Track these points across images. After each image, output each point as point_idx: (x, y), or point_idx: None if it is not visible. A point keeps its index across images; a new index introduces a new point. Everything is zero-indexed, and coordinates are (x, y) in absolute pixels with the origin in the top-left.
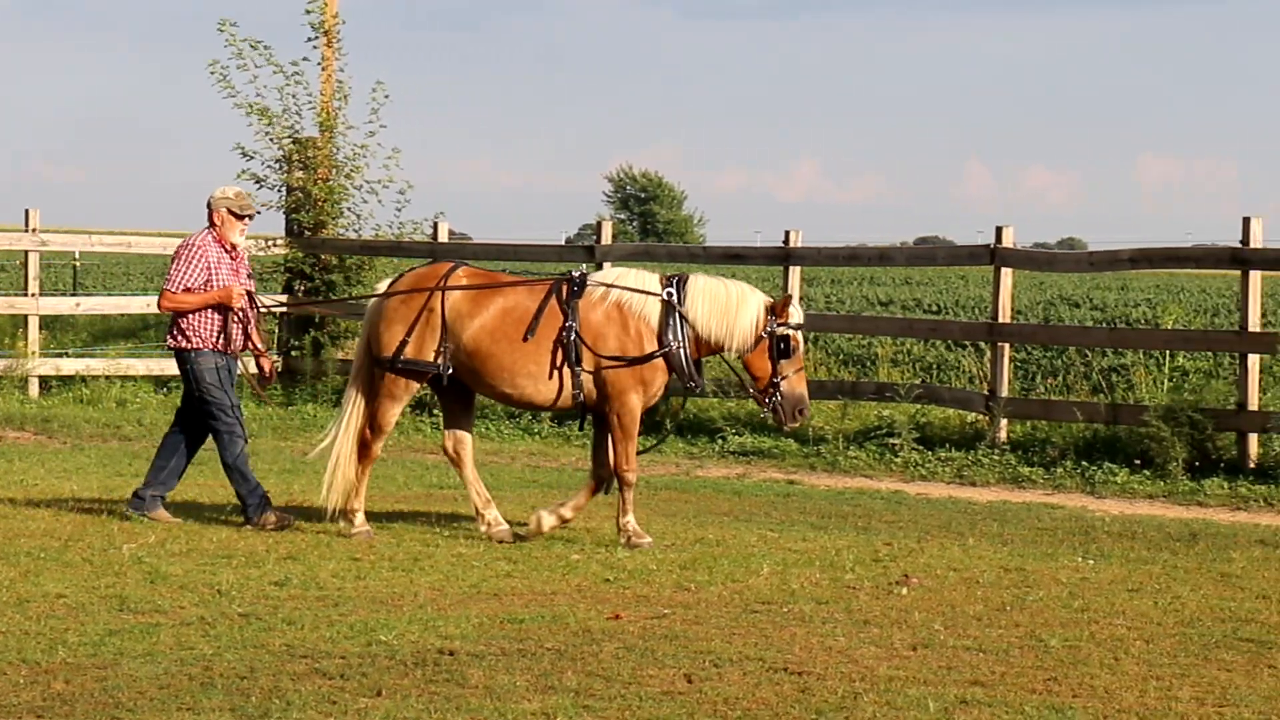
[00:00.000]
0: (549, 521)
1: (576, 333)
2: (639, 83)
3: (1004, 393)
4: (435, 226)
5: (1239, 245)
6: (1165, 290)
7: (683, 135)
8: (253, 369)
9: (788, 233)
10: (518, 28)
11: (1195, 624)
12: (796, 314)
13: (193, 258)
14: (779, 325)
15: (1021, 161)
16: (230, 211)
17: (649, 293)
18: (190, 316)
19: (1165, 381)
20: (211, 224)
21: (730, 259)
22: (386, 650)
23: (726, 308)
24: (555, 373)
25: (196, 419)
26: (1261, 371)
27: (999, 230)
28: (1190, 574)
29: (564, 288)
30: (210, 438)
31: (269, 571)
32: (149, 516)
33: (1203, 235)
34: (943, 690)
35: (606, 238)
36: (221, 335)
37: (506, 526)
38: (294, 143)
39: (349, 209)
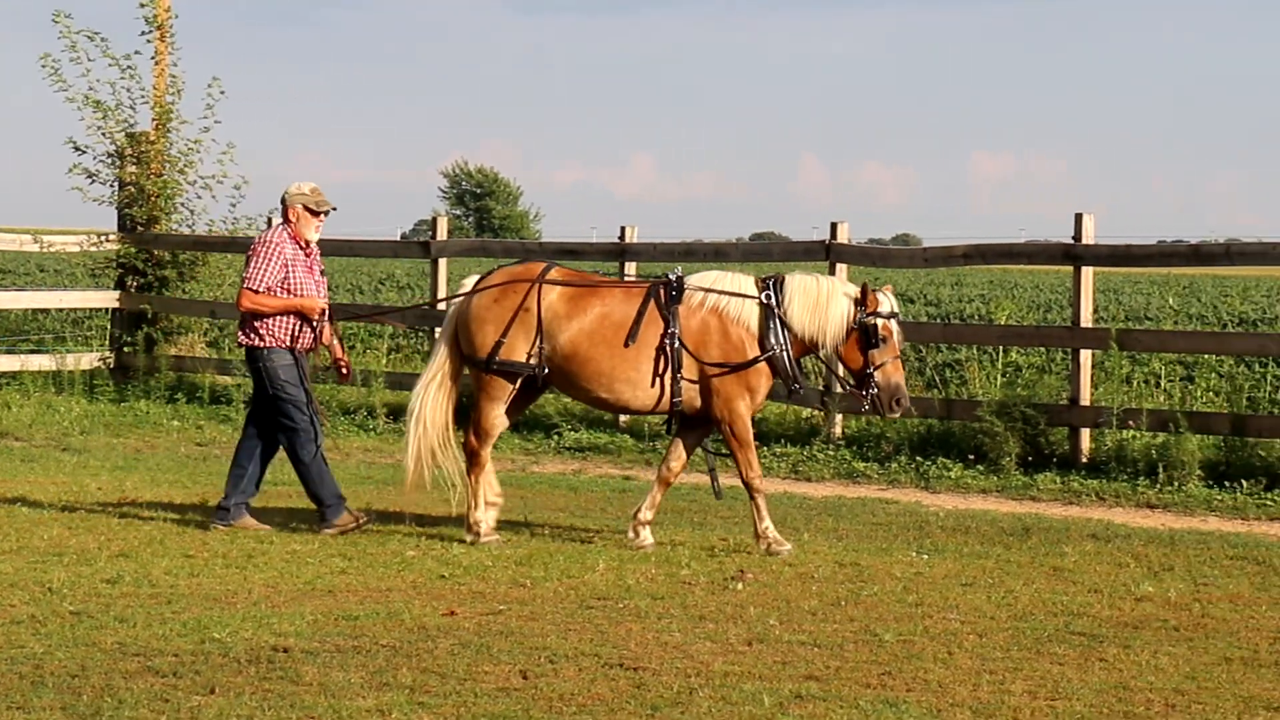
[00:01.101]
0: (645, 534)
1: (679, 339)
2: (475, 78)
3: (837, 389)
4: (269, 222)
5: (1071, 241)
6: (999, 286)
7: (518, 131)
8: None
9: (623, 228)
10: (350, 23)
11: (1028, 618)
12: (885, 303)
13: (271, 255)
14: (868, 315)
15: (857, 158)
16: (306, 208)
17: (746, 295)
18: (265, 316)
19: (999, 377)
20: (286, 220)
21: (566, 254)
22: (220, 648)
23: (818, 303)
24: (656, 380)
25: (269, 420)
26: (1093, 367)
27: (834, 226)
28: (1023, 568)
29: (662, 292)
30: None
31: (101, 569)
32: (235, 525)
33: (1035, 231)
34: (778, 685)
35: (442, 233)
36: (296, 334)
37: (497, 536)
38: (127, 137)
39: (183, 204)
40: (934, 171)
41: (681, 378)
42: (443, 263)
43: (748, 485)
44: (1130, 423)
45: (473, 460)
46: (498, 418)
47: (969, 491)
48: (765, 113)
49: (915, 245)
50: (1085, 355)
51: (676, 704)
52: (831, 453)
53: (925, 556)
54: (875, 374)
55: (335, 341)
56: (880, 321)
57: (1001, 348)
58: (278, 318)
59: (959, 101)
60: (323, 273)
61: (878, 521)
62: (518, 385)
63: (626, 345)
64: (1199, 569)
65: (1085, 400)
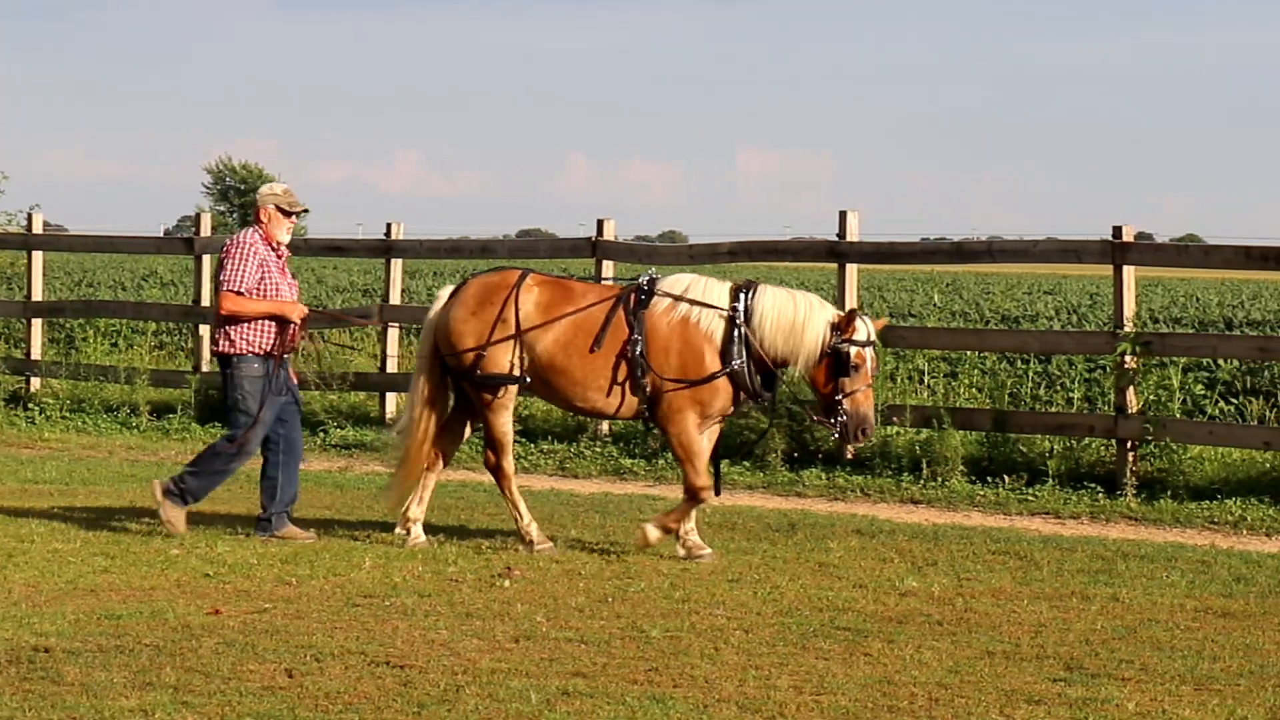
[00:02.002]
0: (696, 546)
1: (641, 348)
2: (239, 74)
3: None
4: (29, 218)
5: (836, 239)
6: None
7: (283, 127)
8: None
9: (389, 225)
10: (110, 16)
11: (793, 613)
12: (862, 330)
13: (247, 256)
14: (843, 341)
15: (623, 155)
16: (279, 208)
17: (713, 306)
18: (244, 320)
19: None
20: (258, 221)
21: (331, 251)
22: None
23: (793, 325)
24: (621, 386)
25: (282, 424)
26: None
27: (600, 223)
28: (789, 564)
29: (632, 298)
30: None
31: None
32: (280, 536)
33: (801, 229)
34: (545, 682)
35: (206, 229)
36: (270, 340)
37: (425, 538)
38: None
39: None
40: (700, 169)
41: (645, 384)
42: (206, 259)
43: (690, 491)
44: (894, 419)
45: (497, 474)
46: (506, 424)
47: (735, 488)
48: (531, 110)
49: (681, 242)
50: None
51: (443, 702)
52: (599, 450)
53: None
54: (844, 402)
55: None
56: (855, 350)
57: None
58: (254, 323)
59: (724, 98)
60: (293, 275)
61: (644, 518)
62: (515, 391)
63: (592, 352)
64: (962, 564)
65: None
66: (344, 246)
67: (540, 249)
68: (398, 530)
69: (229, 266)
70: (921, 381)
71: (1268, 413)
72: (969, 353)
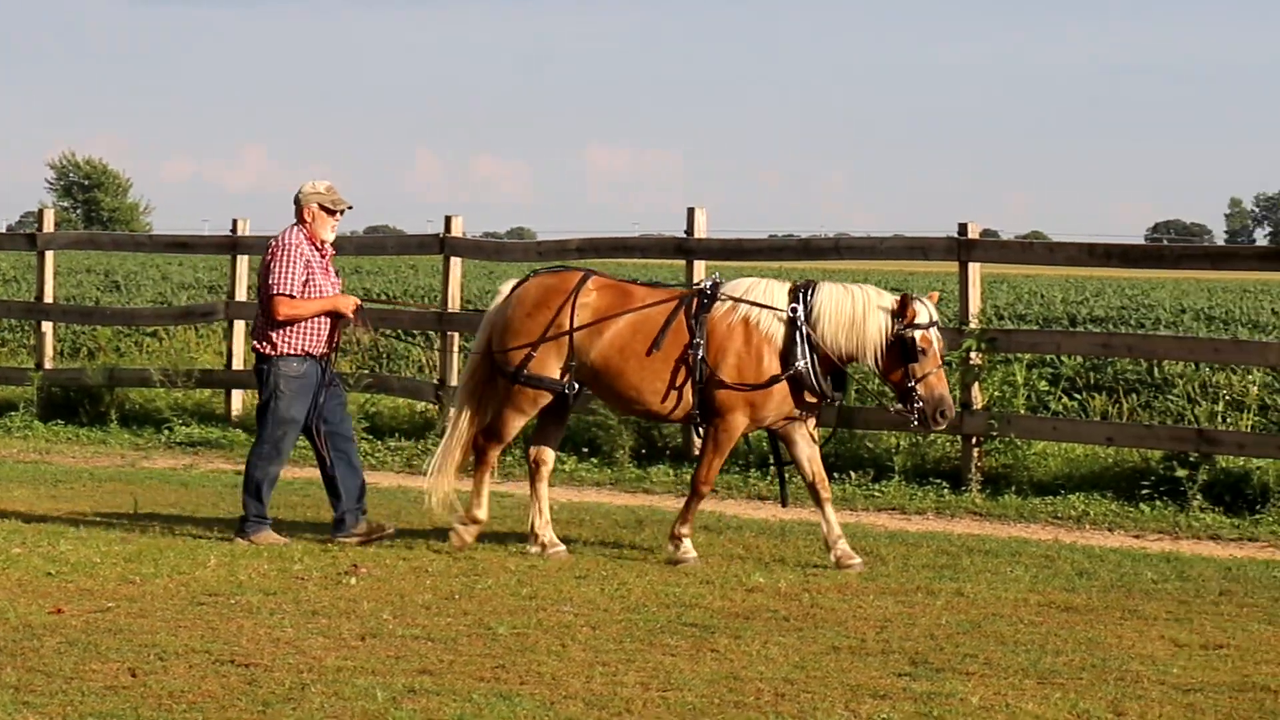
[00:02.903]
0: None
1: (703, 352)
2: (82, 67)
3: (454, 381)
4: None
5: (684, 236)
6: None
7: (128, 123)
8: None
9: (235, 221)
10: None
11: (641, 609)
12: (924, 312)
13: (293, 258)
14: (905, 328)
15: (471, 151)
16: (322, 207)
17: (774, 308)
18: (298, 322)
19: None
20: (301, 220)
21: (176, 248)
22: None
23: (853, 319)
24: (678, 390)
25: (325, 421)
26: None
27: (448, 220)
28: (637, 561)
29: (694, 302)
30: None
31: None
32: (354, 534)
33: (650, 226)
34: (391, 680)
35: (49, 225)
36: (315, 339)
37: (563, 547)
38: None
39: None
40: (550, 165)
41: (703, 388)
42: (49, 255)
43: (695, 486)
44: None
45: (480, 457)
46: (517, 428)
47: (584, 484)
48: (378, 104)
49: (530, 239)
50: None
51: (288, 700)
52: None
53: (539, 548)
54: (917, 387)
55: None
56: (919, 333)
57: None
58: (299, 324)
59: (573, 94)
60: (337, 274)
61: (493, 515)
62: (545, 402)
63: (649, 355)
64: (809, 560)
65: None
66: (189, 243)
67: (388, 246)
68: (532, 549)
69: (276, 270)
70: None
71: (1110, 409)
72: None
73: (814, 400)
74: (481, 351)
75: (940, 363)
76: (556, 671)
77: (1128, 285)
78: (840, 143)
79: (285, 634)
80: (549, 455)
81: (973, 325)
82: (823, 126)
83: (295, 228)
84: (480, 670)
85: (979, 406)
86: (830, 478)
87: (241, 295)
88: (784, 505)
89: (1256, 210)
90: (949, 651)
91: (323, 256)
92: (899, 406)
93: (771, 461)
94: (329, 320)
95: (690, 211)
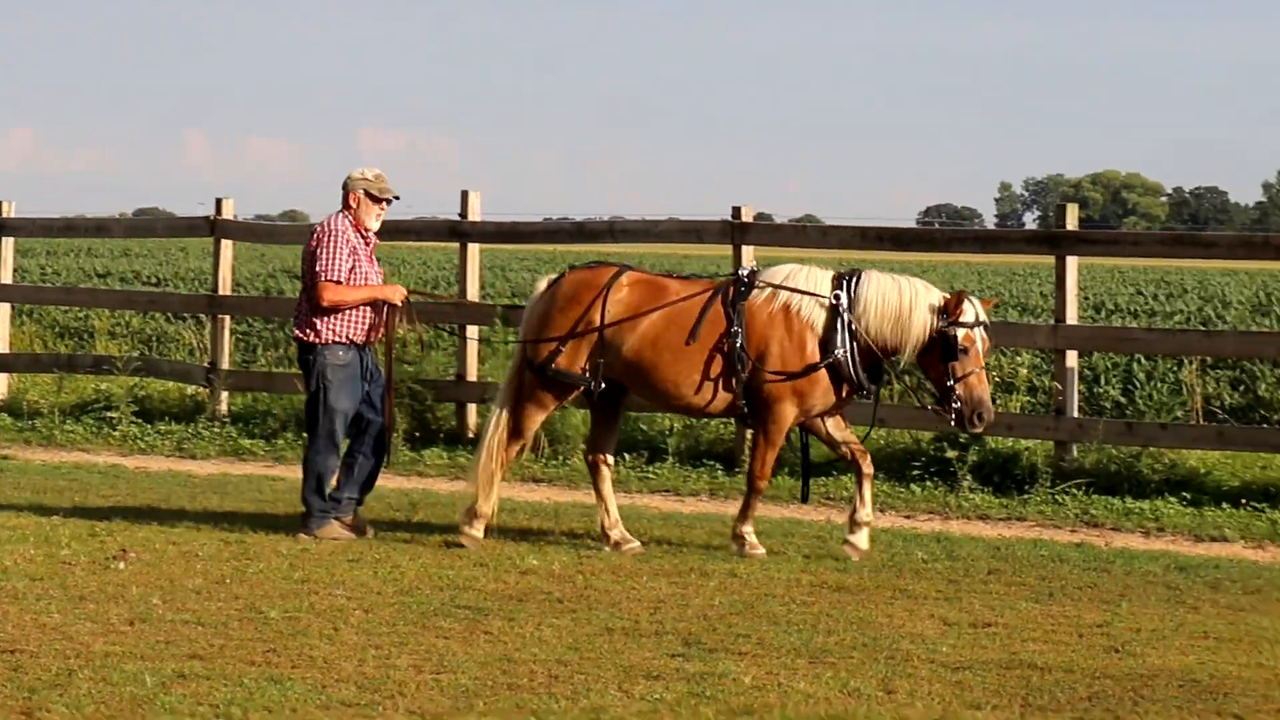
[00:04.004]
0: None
1: (741, 340)
2: None
3: (225, 365)
4: None
5: (458, 218)
6: (387, 263)
7: None
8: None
9: (0, 203)
10: None
11: (414, 592)
12: (970, 311)
13: (339, 244)
14: (950, 324)
15: (242, 132)
16: (368, 194)
17: (817, 295)
18: (343, 309)
19: (382, 353)
20: (347, 206)
21: None
22: None
23: (899, 311)
24: (714, 381)
25: (368, 406)
26: (481, 342)
27: (219, 202)
28: (410, 543)
29: (730, 290)
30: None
31: None
32: (320, 532)
33: (425, 209)
34: (160, 665)
35: None
36: (359, 328)
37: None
38: None
39: None
40: (321, 147)
41: (744, 378)
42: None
43: (751, 481)
44: None
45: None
46: (537, 423)
47: None
48: (148, 87)
49: (303, 221)
50: (472, 331)
51: (55, 686)
52: (217, 430)
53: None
54: (957, 387)
55: (396, 332)
56: (963, 332)
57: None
58: (344, 311)
59: (345, 77)
60: (380, 263)
61: (264, 499)
62: (569, 398)
63: (687, 345)
64: (582, 541)
65: (472, 376)
66: None
67: (158, 228)
68: (606, 548)
69: (322, 256)
70: None
71: (881, 391)
72: None
73: (847, 392)
74: (520, 350)
75: (982, 364)
76: (329, 655)
77: (899, 268)
78: (617, 127)
79: (52, 620)
80: (608, 458)
81: None
82: (600, 111)
83: (341, 214)
84: (251, 655)
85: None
86: None
87: (7, 278)
88: (804, 501)
89: (1025, 194)
90: (722, 632)
91: (367, 244)
92: (935, 405)
93: (798, 458)
94: (372, 309)
95: (464, 194)
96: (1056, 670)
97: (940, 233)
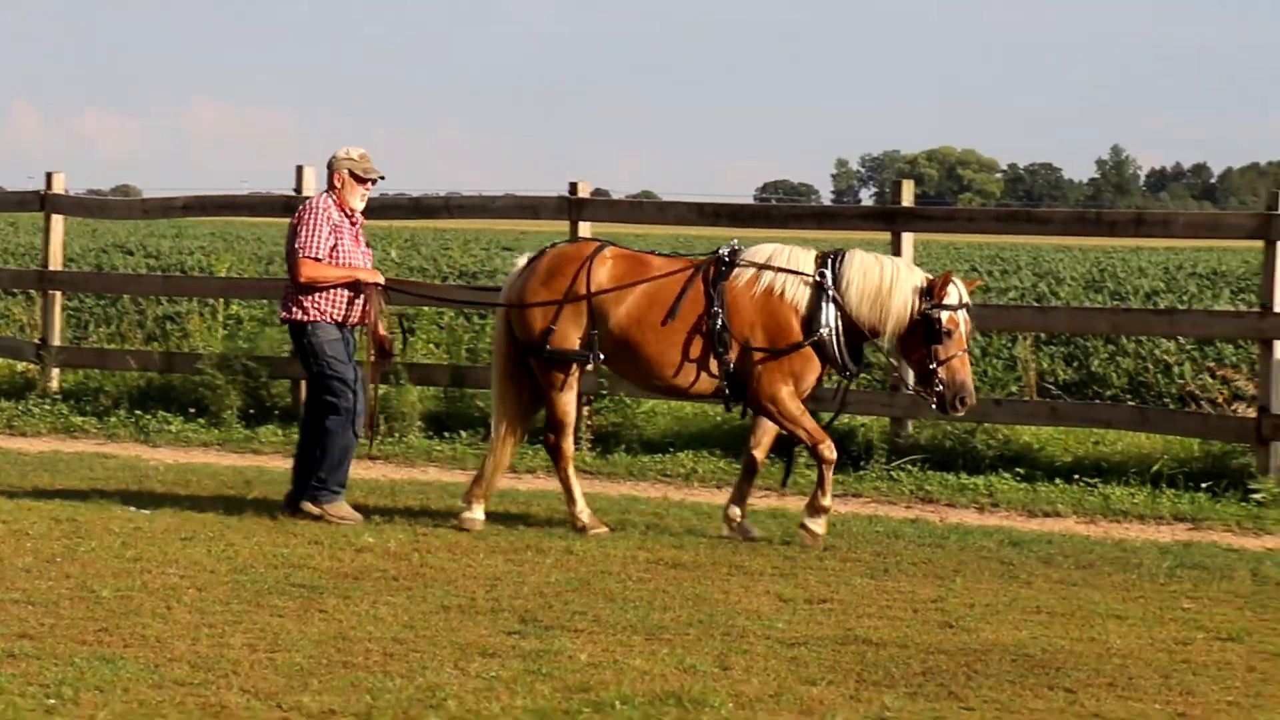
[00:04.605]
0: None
1: (722, 320)
2: None
3: (56, 341)
4: None
5: (293, 193)
6: (220, 238)
7: None
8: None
9: None
10: None
11: (248, 571)
12: (954, 293)
13: (319, 221)
14: (933, 307)
15: (74, 105)
16: (353, 174)
17: (800, 274)
18: (321, 287)
19: (220, 330)
20: (332, 186)
21: None
22: None
23: (879, 290)
24: (695, 362)
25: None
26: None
27: (49, 176)
28: (244, 521)
29: (712, 269)
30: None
31: None
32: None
33: (258, 183)
34: None
35: None
36: (344, 308)
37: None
38: None
39: None
40: (154, 121)
41: (726, 358)
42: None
43: (816, 456)
44: None
45: (555, 454)
46: (569, 405)
47: (190, 445)
48: None
49: (135, 196)
50: None
51: None
52: (48, 407)
53: (145, 511)
54: (940, 370)
55: (379, 319)
56: (946, 314)
57: (223, 300)
58: (328, 291)
59: (177, 48)
60: (368, 244)
61: (96, 476)
62: (581, 370)
63: (664, 325)
64: (419, 519)
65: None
66: None
67: None
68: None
69: (302, 232)
70: None
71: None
72: (427, 309)
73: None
74: (501, 331)
75: (965, 347)
76: (161, 634)
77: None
78: (455, 102)
79: None
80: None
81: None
82: (437, 89)
83: (325, 193)
84: (83, 634)
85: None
86: (441, 436)
87: None
88: (784, 486)
89: (862, 170)
90: (558, 609)
91: (353, 224)
92: (917, 387)
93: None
94: (351, 291)
95: (299, 169)
96: (891, 645)
97: (777, 209)
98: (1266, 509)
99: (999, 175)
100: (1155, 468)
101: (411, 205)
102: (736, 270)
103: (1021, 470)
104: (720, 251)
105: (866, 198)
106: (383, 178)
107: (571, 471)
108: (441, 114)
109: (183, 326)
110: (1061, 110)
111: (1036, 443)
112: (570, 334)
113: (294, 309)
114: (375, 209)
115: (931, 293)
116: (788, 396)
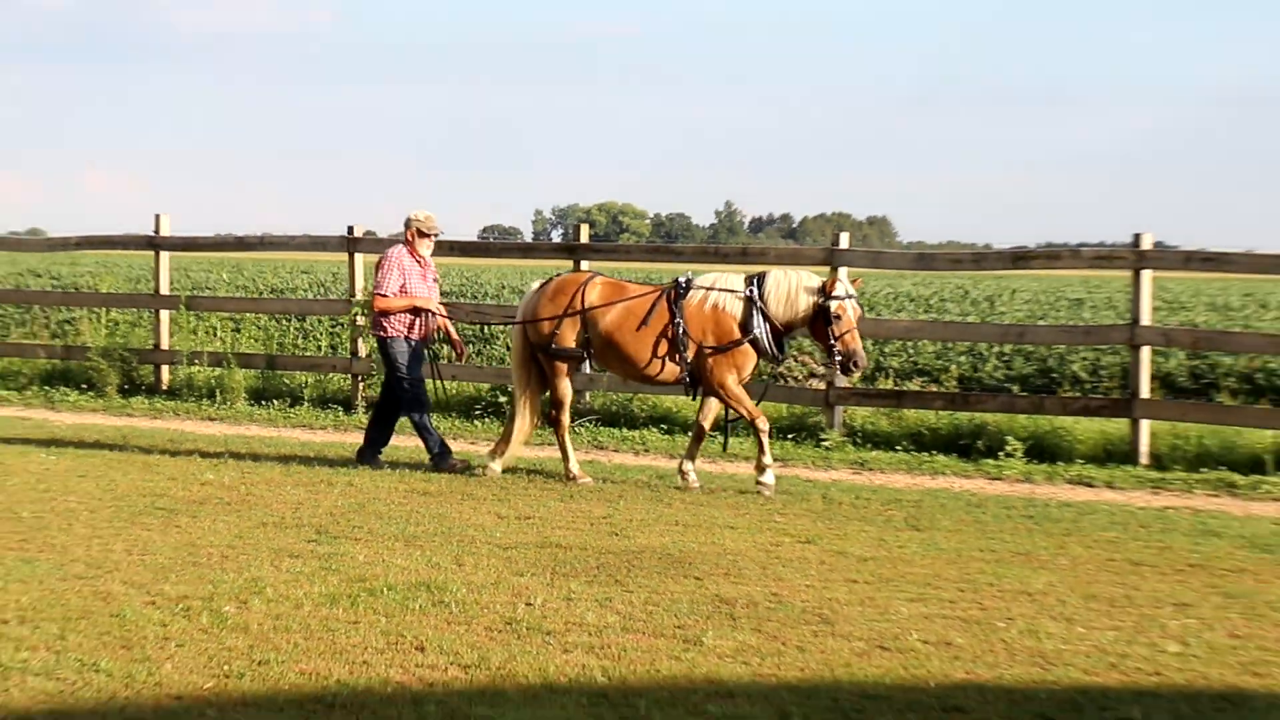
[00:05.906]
0: (692, 476)
1: (683, 327)
2: None
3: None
4: None
5: (153, 234)
6: (103, 265)
7: None
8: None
9: None
10: None
11: (126, 499)
12: (840, 288)
13: (391, 267)
14: (826, 299)
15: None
16: (419, 231)
17: (734, 291)
18: (391, 314)
19: (104, 329)
20: (407, 240)
21: None
22: None
23: (790, 295)
24: (662, 359)
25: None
26: (171, 322)
27: None
28: (122, 463)
29: (673, 292)
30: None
31: None
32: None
33: (130, 226)
34: None
35: None
36: (412, 327)
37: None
38: None
39: None
40: (52, 178)
41: (686, 355)
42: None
43: (753, 426)
44: (195, 361)
45: (555, 425)
46: (567, 387)
47: (84, 410)
48: None
49: (43, 236)
50: (165, 314)
51: None
52: None
53: (52, 456)
54: (836, 344)
55: (451, 331)
56: (835, 303)
57: (105, 308)
58: (399, 315)
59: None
60: (435, 280)
61: (15, 433)
62: (575, 363)
63: (639, 330)
64: (246, 462)
65: (165, 345)
66: None
67: None
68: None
69: (379, 275)
70: (215, 335)
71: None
72: (249, 314)
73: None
74: (519, 335)
75: (853, 326)
76: (65, 543)
77: (466, 270)
78: (263, 153)
79: None
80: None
81: (359, 297)
82: (242, 143)
83: (400, 245)
84: (9, 544)
85: (363, 355)
86: (259, 404)
87: None
88: (724, 450)
89: (553, 218)
90: (343, 524)
91: (422, 267)
92: (826, 360)
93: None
94: (414, 314)
95: (157, 217)
96: (575, 548)
97: (493, 245)
98: (832, 452)
99: (648, 220)
100: None
101: (236, 241)
102: (691, 292)
103: (665, 426)
104: (679, 280)
105: (556, 236)
106: (442, 233)
107: (567, 438)
108: (261, 167)
109: (77, 327)
110: (690, 173)
111: (676, 408)
112: (569, 337)
113: (378, 328)
114: (211, 245)
115: (824, 290)
116: (733, 383)
